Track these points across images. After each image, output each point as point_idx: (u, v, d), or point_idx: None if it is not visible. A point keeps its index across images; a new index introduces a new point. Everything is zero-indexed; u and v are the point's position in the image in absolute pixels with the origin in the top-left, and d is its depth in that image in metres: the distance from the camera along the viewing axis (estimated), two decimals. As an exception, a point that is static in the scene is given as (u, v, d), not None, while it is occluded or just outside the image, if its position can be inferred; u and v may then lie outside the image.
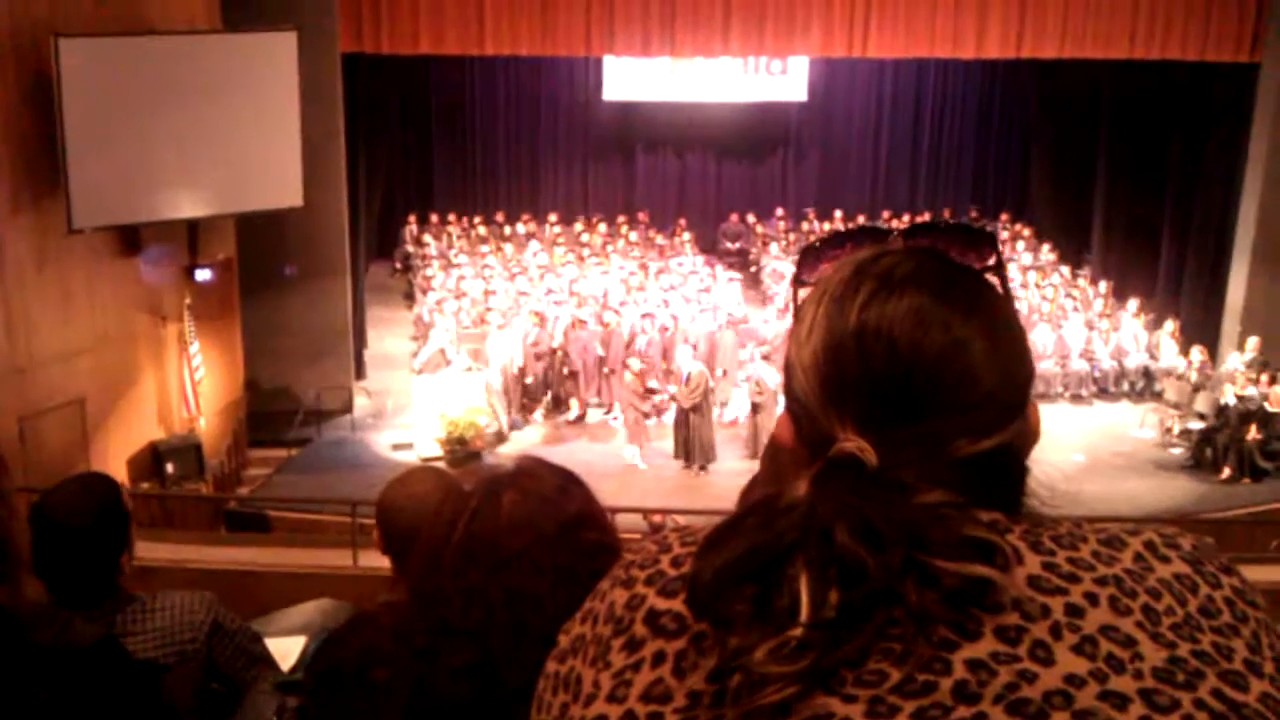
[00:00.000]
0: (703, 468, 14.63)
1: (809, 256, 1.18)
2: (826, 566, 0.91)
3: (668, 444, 15.17)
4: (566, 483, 1.81)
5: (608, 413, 16.51)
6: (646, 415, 15.02)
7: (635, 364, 15.19)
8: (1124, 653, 0.91)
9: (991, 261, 1.13)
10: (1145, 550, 0.99)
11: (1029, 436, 1.04)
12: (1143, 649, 0.91)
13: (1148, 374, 17.52)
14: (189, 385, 13.83)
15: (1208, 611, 0.96)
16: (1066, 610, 0.92)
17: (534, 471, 1.81)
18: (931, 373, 0.98)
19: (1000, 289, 1.08)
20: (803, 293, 1.11)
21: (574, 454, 14.69)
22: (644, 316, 17.05)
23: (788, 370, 1.06)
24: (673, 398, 15.25)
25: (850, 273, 1.03)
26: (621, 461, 14.90)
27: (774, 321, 17.27)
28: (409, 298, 20.62)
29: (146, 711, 2.00)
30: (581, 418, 16.45)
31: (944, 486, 0.94)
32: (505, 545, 1.71)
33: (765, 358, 15.56)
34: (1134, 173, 19.59)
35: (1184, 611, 0.95)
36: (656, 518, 11.19)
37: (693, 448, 14.71)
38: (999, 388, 1.00)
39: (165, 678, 2.40)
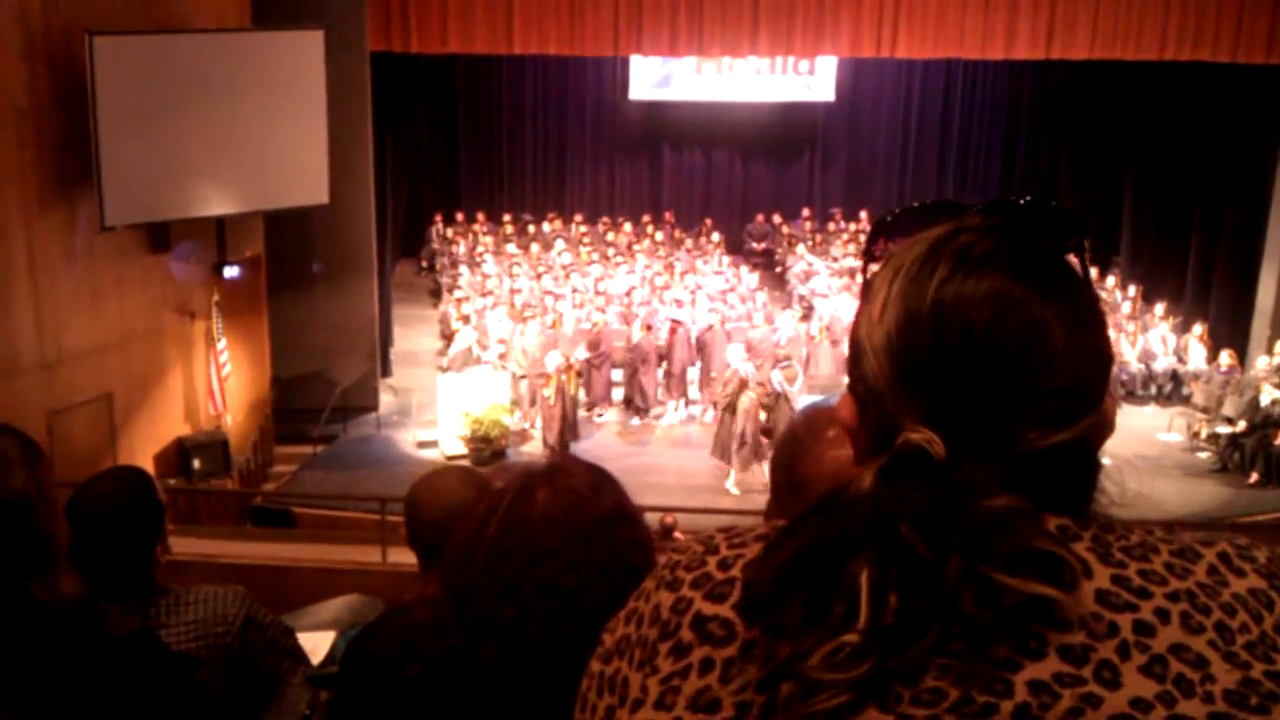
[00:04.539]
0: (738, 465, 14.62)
1: (881, 230, 1.12)
2: (888, 567, 0.89)
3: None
4: (600, 480, 1.80)
5: (589, 410, 16.54)
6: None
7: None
8: (1195, 674, 0.87)
9: (1071, 242, 1.06)
10: (1219, 562, 0.95)
11: (1104, 429, 0.99)
12: (1214, 670, 0.88)
13: (1176, 377, 17.41)
14: (216, 381, 13.90)
15: None
16: (1135, 628, 0.89)
17: (567, 468, 1.81)
18: (1008, 359, 0.93)
19: (1080, 271, 1.03)
20: (873, 267, 1.06)
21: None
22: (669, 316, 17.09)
23: (856, 350, 1.01)
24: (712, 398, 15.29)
25: (926, 250, 0.98)
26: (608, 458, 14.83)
27: (763, 327, 17.16)
28: (435, 295, 20.69)
29: (183, 703, 2.02)
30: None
31: (1013, 483, 0.91)
32: (539, 542, 1.71)
33: (783, 359, 15.52)
34: (1163, 175, 19.47)
35: (1259, 630, 0.91)
36: (668, 519, 11.17)
37: (721, 446, 14.72)
38: (1077, 377, 0.95)
39: (199, 670, 2.42)
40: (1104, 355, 0.99)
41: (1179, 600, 0.91)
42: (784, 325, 17.10)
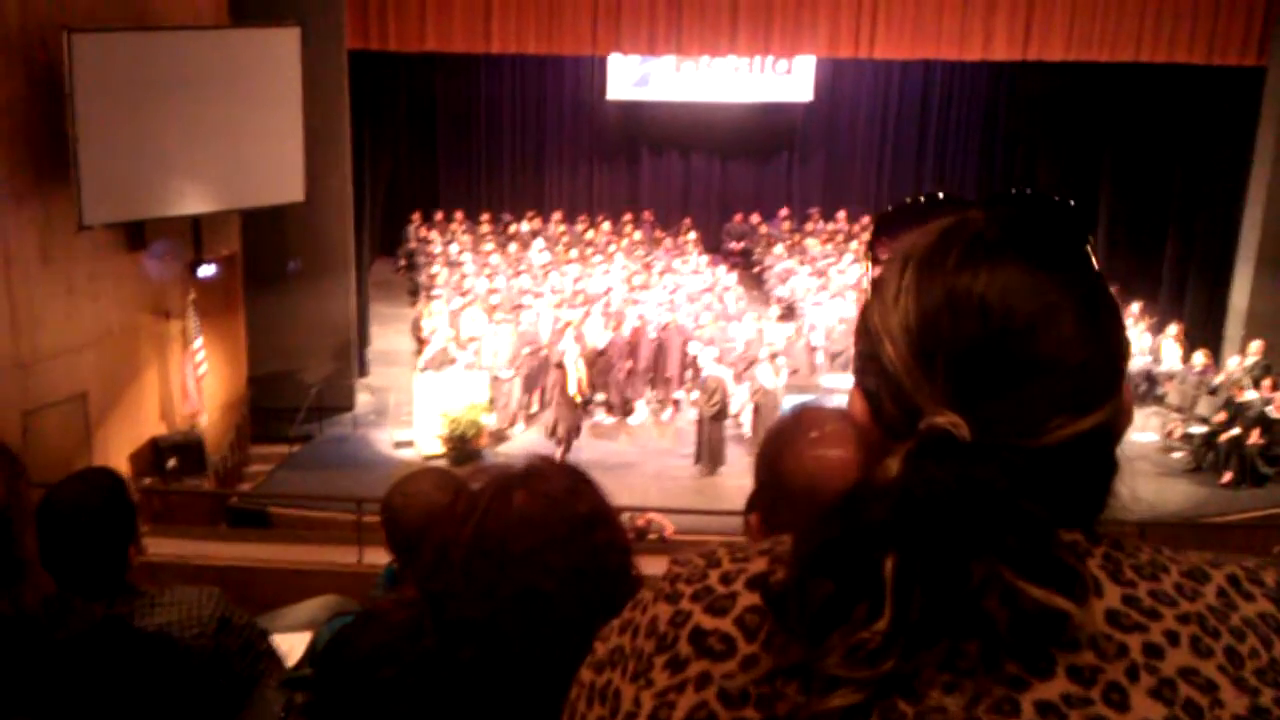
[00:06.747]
0: (711, 470, 14.64)
1: (886, 225, 1.11)
2: (914, 558, 0.87)
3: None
4: (577, 482, 1.80)
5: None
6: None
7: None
8: (1204, 699, 0.87)
9: (1074, 235, 1.04)
10: (1229, 585, 0.94)
11: (1123, 419, 0.98)
12: (1224, 695, 0.87)
13: (1150, 378, 17.48)
14: (192, 381, 13.82)
15: None
16: (1145, 650, 0.88)
17: (544, 471, 1.81)
18: (1024, 339, 0.91)
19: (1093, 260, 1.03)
20: (875, 269, 1.05)
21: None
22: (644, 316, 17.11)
23: (869, 341, 0.99)
24: (693, 403, 15.53)
25: (936, 238, 0.98)
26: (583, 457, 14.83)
27: (723, 324, 17.20)
28: (413, 295, 20.62)
29: (164, 681, 2.01)
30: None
31: (1037, 478, 0.89)
32: (516, 544, 1.71)
33: (771, 358, 15.50)
34: (1139, 176, 19.59)
35: (1268, 656, 0.91)
36: (640, 520, 11.10)
37: (702, 449, 14.73)
38: (1094, 359, 0.94)
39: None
40: (1119, 340, 0.98)
41: (1189, 623, 0.90)
42: (743, 328, 17.09)
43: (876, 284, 1.00)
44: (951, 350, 0.92)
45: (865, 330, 0.99)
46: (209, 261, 13.96)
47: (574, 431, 15.04)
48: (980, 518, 0.87)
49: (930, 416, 0.91)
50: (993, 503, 0.87)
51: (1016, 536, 0.87)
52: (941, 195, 1.10)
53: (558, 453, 14.15)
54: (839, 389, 15.15)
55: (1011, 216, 1.00)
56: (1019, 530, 0.87)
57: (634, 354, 16.52)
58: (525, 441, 15.61)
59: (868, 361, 0.99)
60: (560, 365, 14.96)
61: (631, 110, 23.46)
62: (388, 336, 19.13)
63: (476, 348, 16.20)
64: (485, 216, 22.34)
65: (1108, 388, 0.95)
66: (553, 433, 15.03)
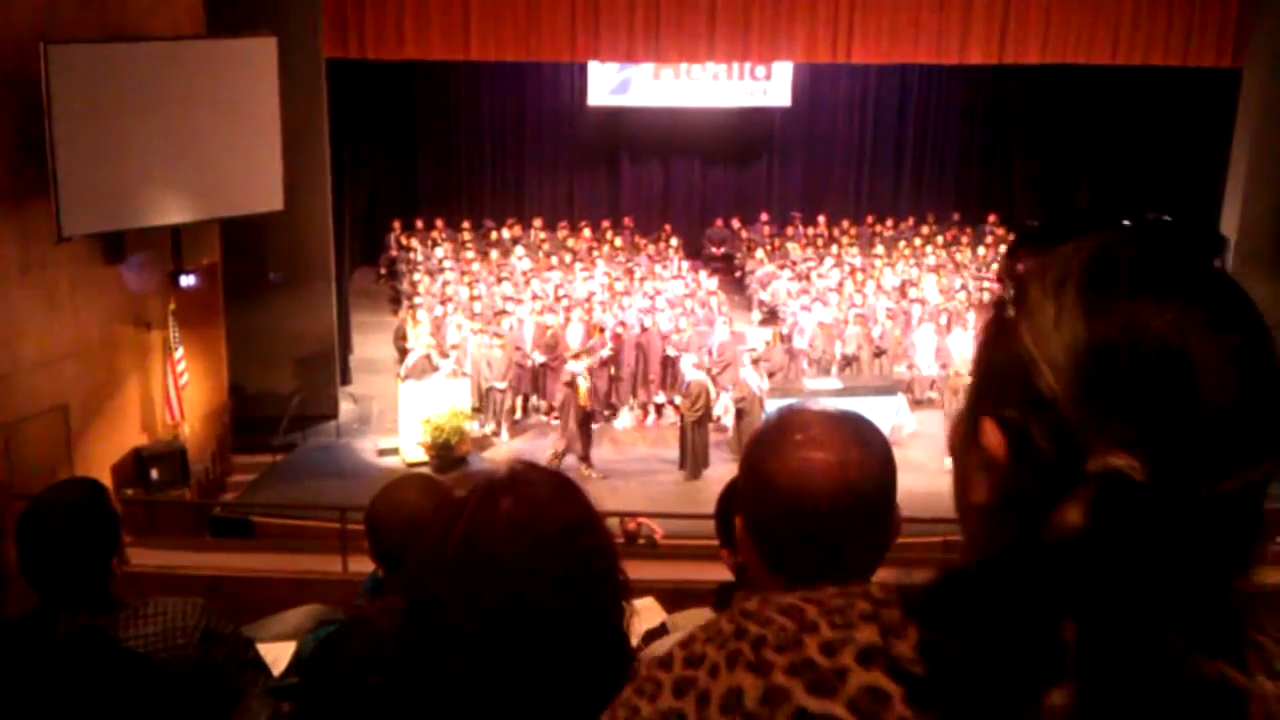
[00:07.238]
0: (695, 475, 14.63)
1: (1032, 241, 0.99)
2: (1105, 625, 0.79)
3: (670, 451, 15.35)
4: (563, 488, 1.80)
5: (548, 414, 16.48)
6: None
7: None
8: None
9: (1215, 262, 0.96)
10: None
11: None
12: None
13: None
14: (173, 391, 13.76)
15: None
16: None
17: (530, 476, 1.80)
18: (1200, 377, 0.83)
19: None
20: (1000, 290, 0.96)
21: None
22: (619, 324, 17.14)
23: (1015, 365, 0.88)
24: (675, 408, 15.59)
25: (1094, 262, 0.88)
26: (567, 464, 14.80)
27: (703, 327, 17.26)
28: (394, 303, 20.57)
29: (145, 699, 2.00)
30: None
31: (1215, 533, 0.82)
32: (502, 550, 1.70)
33: (755, 363, 15.51)
34: (1116, 176, 19.68)
35: None
36: (630, 525, 11.14)
37: (686, 454, 14.74)
38: (1264, 402, 0.85)
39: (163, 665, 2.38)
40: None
41: None
42: (724, 333, 17.09)
43: (1026, 304, 0.90)
44: (1125, 385, 0.83)
45: (1008, 354, 0.89)
46: (189, 271, 13.89)
47: (588, 441, 15.05)
48: (1181, 579, 0.80)
49: (1103, 456, 0.81)
50: (1195, 563, 0.80)
51: (1211, 603, 0.80)
52: (1089, 212, 1.02)
53: (583, 469, 14.44)
54: (822, 392, 15.21)
55: (1170, 245, 0.92)
56: (1215, 596, 0.81)
57: (616, 360, 16.54)
58: (510, 448, 15.62)
59: (1009, 389, 0.88)
60: (571, 384, 14.92)
61: (611, 116, 23.45)
62: (370, 345, 19.07)
63: (459, 355, 16.18)
64: (466, 224, 22.28)
65: (1274, 434, 0.85)
66: (585, 461, 14.95)
